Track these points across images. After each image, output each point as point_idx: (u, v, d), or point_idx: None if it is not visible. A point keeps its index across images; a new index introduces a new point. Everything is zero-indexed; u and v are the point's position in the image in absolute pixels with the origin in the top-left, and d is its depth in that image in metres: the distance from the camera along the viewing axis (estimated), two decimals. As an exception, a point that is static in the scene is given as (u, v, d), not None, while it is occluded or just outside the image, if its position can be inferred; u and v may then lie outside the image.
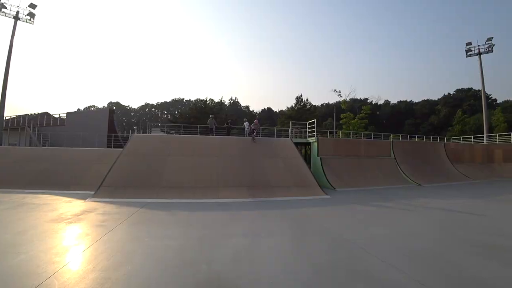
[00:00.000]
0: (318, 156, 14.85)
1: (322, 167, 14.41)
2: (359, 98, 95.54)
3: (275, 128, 20.37)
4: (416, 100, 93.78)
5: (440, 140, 28.99)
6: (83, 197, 10.16)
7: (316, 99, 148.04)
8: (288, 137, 19.16)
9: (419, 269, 3.90)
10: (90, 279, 3.44)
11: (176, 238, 5.34)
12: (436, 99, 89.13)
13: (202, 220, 7.15)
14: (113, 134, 24.26)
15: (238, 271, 3.79)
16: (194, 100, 72.38)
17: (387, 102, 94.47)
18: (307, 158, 17.51)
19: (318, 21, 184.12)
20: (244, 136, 19.73)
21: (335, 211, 8.74)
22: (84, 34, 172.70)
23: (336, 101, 53.11)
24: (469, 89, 79.81)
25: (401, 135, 32.24)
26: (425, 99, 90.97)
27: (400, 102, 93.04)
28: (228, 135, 20.17)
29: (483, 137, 29.01)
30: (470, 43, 32.70)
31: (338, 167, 15.06)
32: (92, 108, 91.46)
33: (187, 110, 49.96)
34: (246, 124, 20.17)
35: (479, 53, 31.99)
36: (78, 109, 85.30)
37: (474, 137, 29.05)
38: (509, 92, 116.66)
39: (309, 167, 16.12)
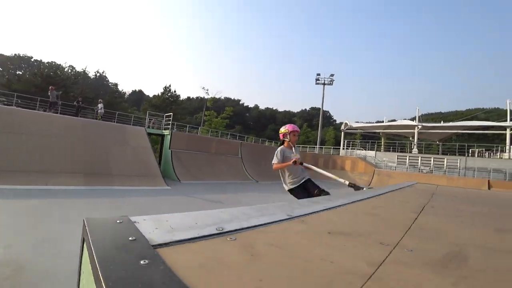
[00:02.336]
0: (169, 149, 15.44)
1: (172, 160, 15.08)
2: (233, 98, 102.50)
3: (132, 115, 19.62)
4: (280, 109, 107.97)
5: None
6: None
7: (193, 92, 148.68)
8: (144, 126, 18.90)
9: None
10: None
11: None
12: (296, 111, 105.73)
13: (11, 209, 6.53)
14: None
15: None
16: (47, 63, 59.71)
17: (256, 106, 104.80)
18: (161, 150, 17.81)
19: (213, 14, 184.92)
20: (96, 118, 18.26)
21: (161, 200, 9.57)
22: None
23: (214, 97, 55.46)
24: (320, 108, 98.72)
25: (259, 139, 36.71)
26: (287, 110, 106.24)
27: (267, 108, 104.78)
28: (77, 115, 18.10)
29: (315, 147, 36.64)
30: (319, 74, 40.58)
31: (187, 161, 16.09)
32: None
33: (31, 74, 40.35)
34: (100, 105, 18.67)
35: (324, 84, 40.23)
36: None
37: (309, 147, 36.30)
38: (345, 116, 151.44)
39: (160, 159, 16.54)
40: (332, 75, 40.58)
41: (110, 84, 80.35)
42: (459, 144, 28.49)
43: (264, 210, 1.17)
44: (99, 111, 18.26)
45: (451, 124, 30.89)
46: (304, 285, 0.53)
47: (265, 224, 0.97)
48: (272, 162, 3.57)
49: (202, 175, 16.00)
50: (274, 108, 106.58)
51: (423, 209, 1.86)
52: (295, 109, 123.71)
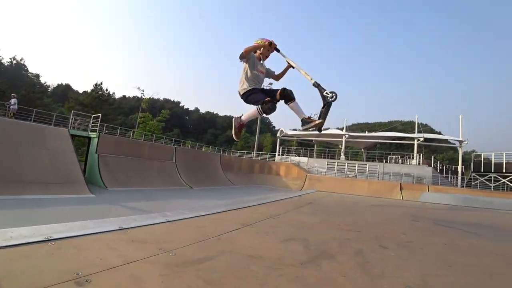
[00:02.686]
0: (96, 153, 14.46)
1: (99, 165, 14.16)
2: (173, 100, 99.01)
3: (54, 113, 17.77)
4: (221, 113, 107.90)
5: (222, 152, 35.14)
6: None
7: (130, 91, 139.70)
8: (68, 127, 17.33)
9: None
10: None
11: None
12: (236, 116, 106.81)
13: None
14: None
15: None
16: None
17: (196, 109, 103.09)
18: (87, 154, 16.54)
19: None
20: (7, 116, 16.19)
21: (77, 210, 9.04)
22: None
23: (151, 98, 52.45)
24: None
25: (191, 143, 36.27)
26: (228, 114, 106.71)
27: (207, 112, 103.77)
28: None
29: (252, 153, 37.73)
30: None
31: (116, 166, 15.25)
32: None
33: None
34: (13, 100, 16.57)
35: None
36: None
37: (246, 152, 37.23)
38: (287, 123, 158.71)
39: (86, 164, 15.42)
40: (270, 84, 42.28)
41: (29, 75, 70.18)
42: (379, 152, 32.59)
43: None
44: (11, 107, 16.17)
45: (373, 134, 35.16)
46: None
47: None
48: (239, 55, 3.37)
49: (131, 181, 15.32)
50: (214, 112, 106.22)
51: (272, 217, 2.36)
52: (236, 114, 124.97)
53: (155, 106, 60.11)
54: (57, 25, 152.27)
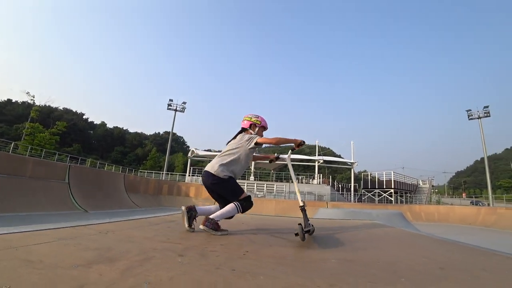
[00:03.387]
0: (-43, 169, 11.80)
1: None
2: (75, 111, 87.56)
3: None
4: (131, 130, 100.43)
5: (127, 172, 32.69)
6: None
7: (17, 95, 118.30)
8: None
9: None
10: None
11: None
12: (148, 134, 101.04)
13: None
14: None
15: None
16: None
17: (103, 124, 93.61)
18: None
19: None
20: None
21: None
22: None
23: (45, 105, 44.93)
24: (174, 133, 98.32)
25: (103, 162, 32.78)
26: (139, 131, 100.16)
27: (115, 127, 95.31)
28: None
29: (161, 173, 36.08)
30: (171, 100, 41.05)
31: (-13, 186, 12.67)
32: None
33: None
34: None
35: (176, 110, 40.87)
36: None
37: (155, 173, 35.47)
38: (202, 142, 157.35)
39: None
40: (184, 102, 41.76)
41: None
42: (286, 173, 35.44)
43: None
44: None
45: (281, 156, 38.08)
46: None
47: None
48: (255, 140, 2.94)
49: (9, 205, 12.89)
50: (124, 128, 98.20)
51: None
52: (148, 131, 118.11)
53: (51, 116, 52.31)
54: None
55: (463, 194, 65.44)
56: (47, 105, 38.39)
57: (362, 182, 35.87)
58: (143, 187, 26.29)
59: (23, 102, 72.07)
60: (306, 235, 2.48)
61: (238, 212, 2.86)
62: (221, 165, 2.85)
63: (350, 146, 34.05)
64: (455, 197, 64.82)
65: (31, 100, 35.34)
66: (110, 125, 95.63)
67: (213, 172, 2.82)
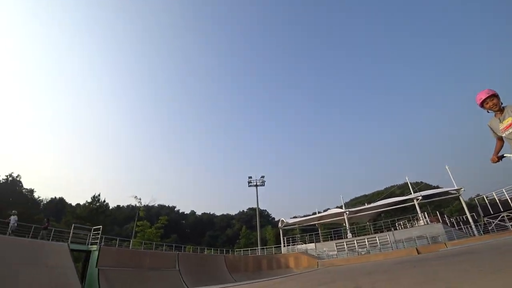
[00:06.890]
0: (96, 267, 13.46)
1: (98, 281, 12.99)
2: (168, 205, 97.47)
3: (53, 228, 17.20)
4: (217, 213, 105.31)
5: (225, 253, 32.95)
6: None
7: (123, 200, 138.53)
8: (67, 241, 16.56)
9: None
10: None
11: None
12: (234, 214, 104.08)
13: None
14: None
15: None
16: None
17: (193, 213, 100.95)
18: (84, 268, 15.33)
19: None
20: (7, 234, 15.58)
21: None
22: None
23: (148, 205, 51.62)
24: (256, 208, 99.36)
25: (198, 247, 34.26)
26: (225, 213, 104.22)
27: (204, 213, 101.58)
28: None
29: (256, 249, 35.35)
30: (251, 177, 42.84)
31: (117, 280, 14.00)
32: None
33: None
34: (13, 218, 16.17)
35: (256, 185, 42.16)
36: None
37: (250, 249, 34.92)
38: (284, 212, 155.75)
39: (83, 280, 14.20)
40: (262, 176, 43.05)
41: (24, 191, 69.53)
42: (384, 221, 30.88)
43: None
44: (10, 224, 15.66)
45: (372, 204, 34.20)
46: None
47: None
48: None
49: (133, 295, 13.85)
50: (211, 213, 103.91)
51: None
52: (233, 211, 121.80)
53: (151, 214, 58.82)
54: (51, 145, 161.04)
55: None
56: (150, 204, 43.53)
57: (479, 209, 28.37)
58: (243, 265, 25.86)
59: (128, 205, 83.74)
60: None
61: None
62: None
63: (447, 172, 28.49)
64: None
65: (138, 202, 40.65)
66: (198, 212, 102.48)
67: None
